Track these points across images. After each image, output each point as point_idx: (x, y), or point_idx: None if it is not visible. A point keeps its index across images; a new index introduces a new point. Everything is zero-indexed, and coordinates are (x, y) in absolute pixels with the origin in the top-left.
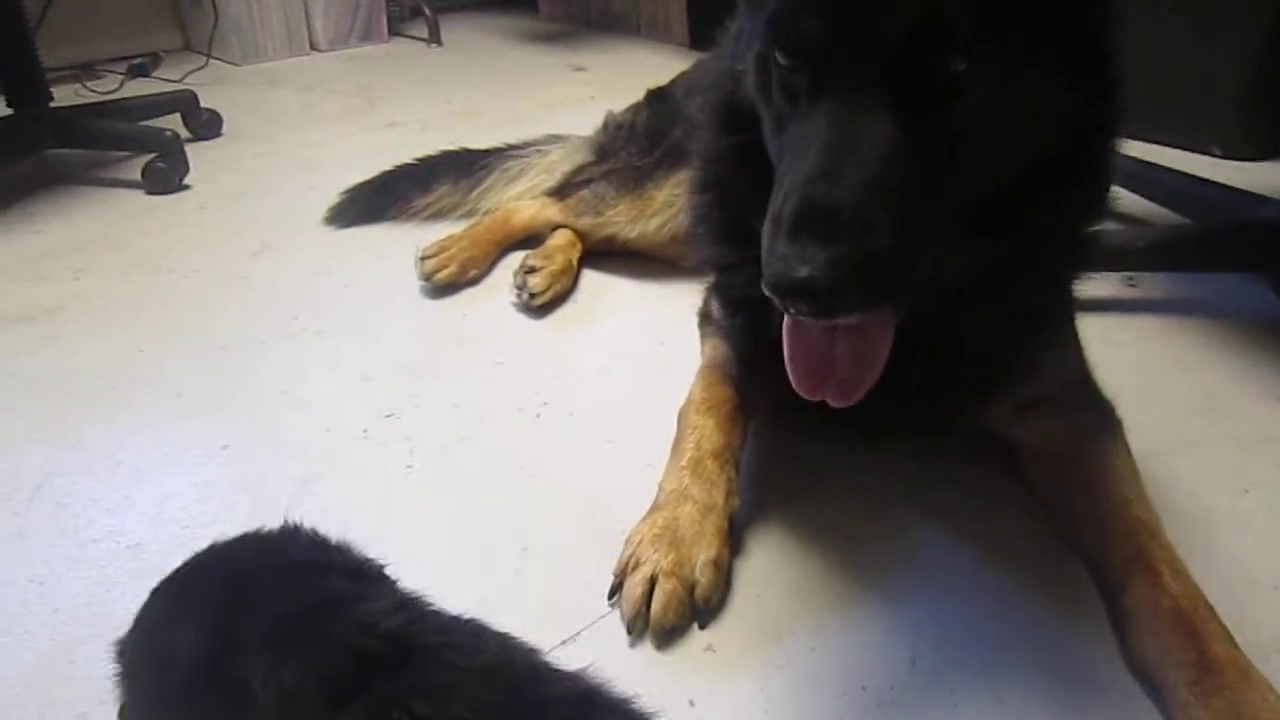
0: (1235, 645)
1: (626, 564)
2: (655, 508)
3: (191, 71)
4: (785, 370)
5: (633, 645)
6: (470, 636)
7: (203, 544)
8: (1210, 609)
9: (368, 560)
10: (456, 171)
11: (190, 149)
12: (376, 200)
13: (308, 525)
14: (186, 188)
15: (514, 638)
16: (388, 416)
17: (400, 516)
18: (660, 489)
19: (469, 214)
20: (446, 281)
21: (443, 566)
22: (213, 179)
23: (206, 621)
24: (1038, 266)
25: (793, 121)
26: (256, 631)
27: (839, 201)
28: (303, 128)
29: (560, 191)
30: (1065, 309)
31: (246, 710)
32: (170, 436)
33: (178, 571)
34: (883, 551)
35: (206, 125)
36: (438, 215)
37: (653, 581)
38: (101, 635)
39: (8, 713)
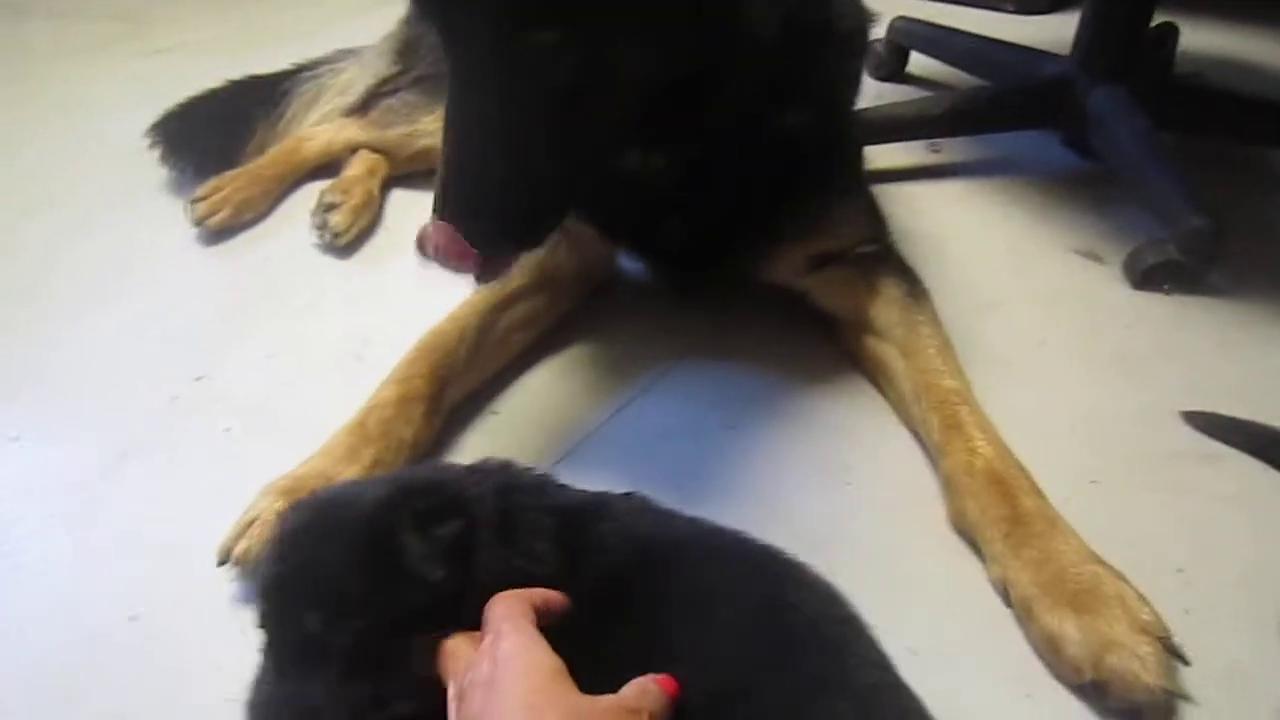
0: (1042, 496)
1: None
2: None
3: None
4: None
5: None
6: None
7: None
8: (1019, 466)
9: None
10: (265, 105)
11: None
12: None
13: None
14: None
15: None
16: (198, 379)
17: (222, 484)
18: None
19: None
20: (220, 226)
21: None
22: None
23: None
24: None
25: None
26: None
27: (474, 179)
28: (57, 63)
29: (363, 107)
30: (845, 163)
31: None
32: None
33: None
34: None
35: None
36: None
37: None
38: None
39: None
